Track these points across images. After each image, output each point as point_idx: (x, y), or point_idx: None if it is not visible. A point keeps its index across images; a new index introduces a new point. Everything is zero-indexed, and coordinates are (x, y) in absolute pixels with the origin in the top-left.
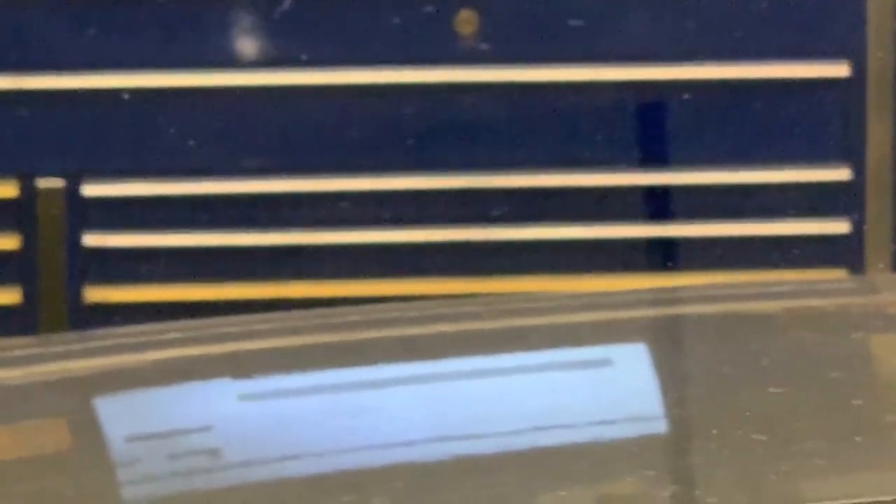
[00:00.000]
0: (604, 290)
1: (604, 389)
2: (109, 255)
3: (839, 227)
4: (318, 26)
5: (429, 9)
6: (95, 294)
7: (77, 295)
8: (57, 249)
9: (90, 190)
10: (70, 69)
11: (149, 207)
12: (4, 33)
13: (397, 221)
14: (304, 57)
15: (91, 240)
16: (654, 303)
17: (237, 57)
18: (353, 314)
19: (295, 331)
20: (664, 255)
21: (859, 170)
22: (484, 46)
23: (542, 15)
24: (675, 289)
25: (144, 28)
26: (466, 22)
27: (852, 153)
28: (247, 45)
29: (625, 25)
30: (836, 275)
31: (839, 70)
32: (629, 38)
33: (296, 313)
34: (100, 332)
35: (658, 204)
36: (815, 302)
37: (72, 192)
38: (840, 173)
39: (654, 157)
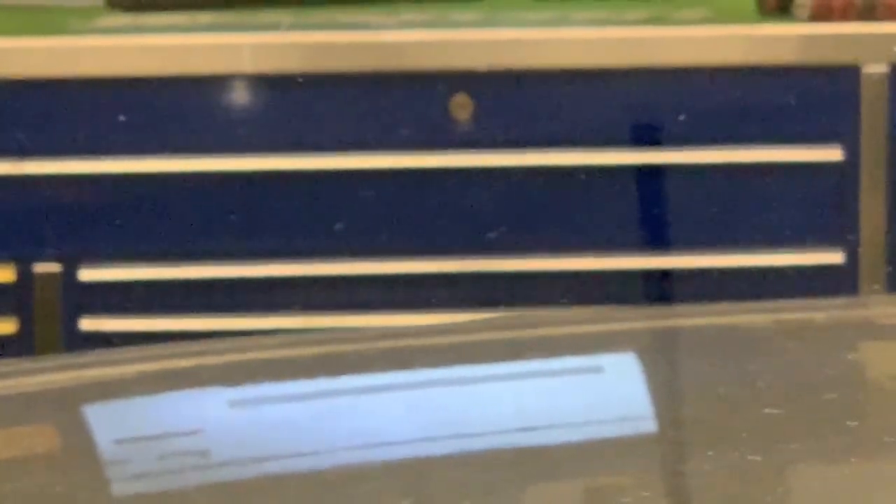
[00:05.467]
0: (599, 309)
1: (597, 408)
2: (106, 340)
3: None
4: (313, 110)
5: (424, 94)
6: None
7: None
8: (54, 334)
9: (87, 275)
10: (67, 154)
11: (146, 292)
12: (1, 119)
13: (394, 306)
14: (300, 141)
15: (88, 324)
16: (650, 320)
17: (233, 142)
18: (347, 335)
19: (288, 346)
20: None
21: (853, 253)
22: (479, 131)
23: (537, 99)
24: (672, 308)
25: (141, 113)
26: (462, 106)
27: (846, 237)
28: (243, 130)
29: (619, 110)
30: (834, 297)
31: (832, 154)
32: (624, 123)
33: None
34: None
35: (653, 288)
36: (812, 322)
37: (68, 277)
38: (833, 257)
39: (648, 241)
